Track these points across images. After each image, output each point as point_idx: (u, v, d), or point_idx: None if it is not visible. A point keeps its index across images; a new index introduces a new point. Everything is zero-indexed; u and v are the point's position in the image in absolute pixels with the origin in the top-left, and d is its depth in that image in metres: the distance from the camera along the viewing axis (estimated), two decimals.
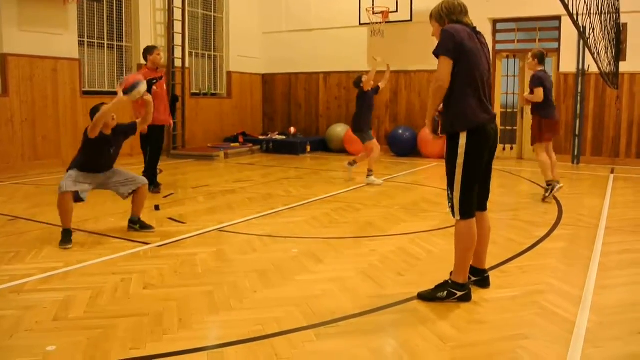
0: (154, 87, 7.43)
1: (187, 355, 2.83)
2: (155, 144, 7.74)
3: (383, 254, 4.67)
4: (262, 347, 2.91)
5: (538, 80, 7.14)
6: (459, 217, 3.52)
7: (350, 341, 3.00)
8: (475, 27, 3.65)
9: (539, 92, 7.10)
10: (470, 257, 3.61)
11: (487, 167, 3.70)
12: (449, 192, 3.56)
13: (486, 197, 3.76)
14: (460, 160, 3.47)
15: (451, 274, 3.65)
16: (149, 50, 7.72)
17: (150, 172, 7.67)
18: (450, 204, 3.57)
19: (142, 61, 7.66)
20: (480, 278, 3.83)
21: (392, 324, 3.25)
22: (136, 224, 5.43)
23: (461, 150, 3.47)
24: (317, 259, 4.50)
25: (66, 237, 4.87)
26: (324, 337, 3.04)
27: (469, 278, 3.73)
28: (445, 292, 3.57)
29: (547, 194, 7.04)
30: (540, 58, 7.17)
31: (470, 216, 3.52)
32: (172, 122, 8.12)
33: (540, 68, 7.20)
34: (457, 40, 3.44)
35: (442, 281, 3.66)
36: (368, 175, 8.45)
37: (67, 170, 5.16)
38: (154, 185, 7.61)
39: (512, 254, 4.63)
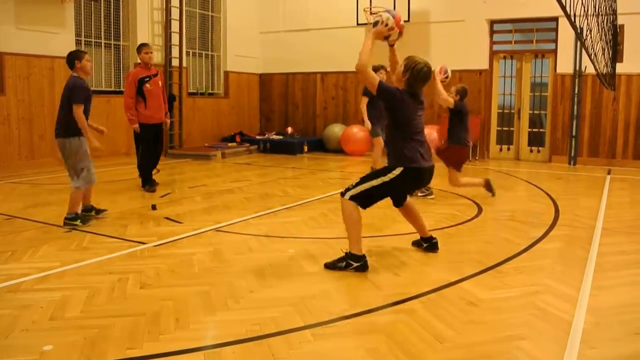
0: (146, 85, 7.49)
1: (184, 355, 2.83)
2: (152, 143, 7.69)
3: (379, 253, 4.67)
4: (259, 347, 2.91)
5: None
6: (349, 198, 4.18)
7: (347, 341, 3.00)
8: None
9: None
10: (359, 230, 4.20)
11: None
12: (359, 181, 4.25)
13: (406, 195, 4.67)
14: (385, 179, 4.22)
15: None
16: (137, 49, 7.76)
17: (145, 170, 7.66)
18: (350, 186, 4.23)
19: (139, 60, 7.63)
20: (429, 244, 4.69)
21: (389, 324, 3.25)
22: (91, 211, 5.69)
23: (392, 175, 4.22)
24: (314, 259, 4.50)
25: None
26: (320, 337, 3.04)
27: (421, 245, 4.72)
28: (344, 263, 4.16)
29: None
30: (463, 94, 7.03)
31: (354, 201, 4.20)
32: (169, 120, 8.13)
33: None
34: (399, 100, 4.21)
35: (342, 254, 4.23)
36: None
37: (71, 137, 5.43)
38: (149, 184, 7.64)
39: (508, 255, 4.63)
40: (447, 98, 6.77)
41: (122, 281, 3.92)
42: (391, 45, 4.55)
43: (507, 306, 3.52)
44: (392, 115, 4.26)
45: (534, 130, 12.07)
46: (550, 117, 11.74)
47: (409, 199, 4.66)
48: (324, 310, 3.41)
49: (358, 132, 12.67)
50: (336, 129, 13.28)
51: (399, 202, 4.64)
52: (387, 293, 3.75)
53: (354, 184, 4.24)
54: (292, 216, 6.14)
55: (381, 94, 4.18)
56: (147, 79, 7.52)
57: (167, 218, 5.96)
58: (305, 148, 13.12)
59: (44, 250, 4.70)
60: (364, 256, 4.18)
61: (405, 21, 12.09)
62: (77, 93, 5.41)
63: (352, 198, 4.19)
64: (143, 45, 7.74)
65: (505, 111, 12.30)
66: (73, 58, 5.55)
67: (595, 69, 6.98)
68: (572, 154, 11.36)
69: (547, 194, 7.56)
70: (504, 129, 12.34)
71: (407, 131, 4.23)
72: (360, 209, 4.24)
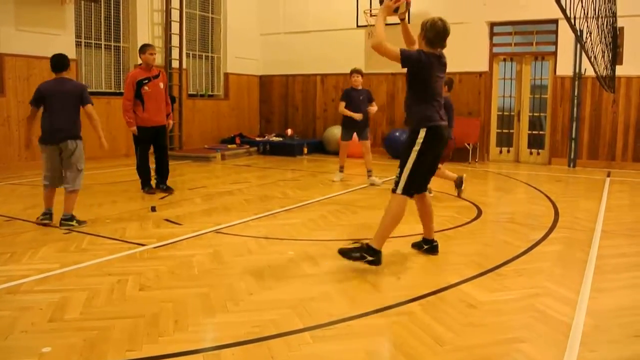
0: (145, 87, 7.36)
1: (183, 357, 2.82)
2: (150, 145, 7.64)
3: None
4: (259, 349, 2.91)
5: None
6: (399, 192, 4.25)
7: (347, 344, 3.00)
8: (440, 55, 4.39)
9: None
10: (392, 229, 4.27)
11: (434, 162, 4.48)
12: (399, 170, 4.29)
13: (427, 182, 4.67)
14: (416, 148, 4.27)
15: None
16: (141, 49, 7.58)
17: (144, 172, 7.63)
18: (396, 180, 4.29)
19: (139, 62, 7.61)
20: (430, 246, 4.70)
21: (389, 327, 3.25)
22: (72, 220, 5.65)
23: (419, 141, 4.27)
24: (313, 261, 4.50)
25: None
26: (320, 339, 3.04)
27: (421, 247, 4.72)
28: (359, 254, 4.17)
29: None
30: (450, 85, 7.09)
31: (408, 195, 4.28)
32: (171, 122, 8.00)
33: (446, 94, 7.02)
34: (424, 62, 4.29)
35: (358, 244, 4.26)
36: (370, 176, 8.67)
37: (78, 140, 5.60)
38: (148, 187, 7.59)
39: (508, 257, 4.63)
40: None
41: (121, 283, 3.91)
42: (402, 19, 4.66)
43: (506, 309, 3.52)
44: (415, 78, 4.37)
45: (533, 132, 12.07)
46: (550, 119, 11.74)
47: (428, 196, 4.67)
48: (324, 313, 3.41)
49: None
50: (336, 131, 13.25)
51: (425, 182, 4.60)
52: (386, 295, 3.74)
53: (398, 175, 4.29)
54: (291, 218, 6.14)
55: (406, 62, 4.23)
56: (146, 80, 7.40)
57: (167, 220, 5.96)
58: (305, 150, 13.12)
59: (44, 251, 4.70)
60: (380, 252, 4.19)
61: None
62: (87, 94, 5.67)
63: (405, 192, 4.24)
64: (147, 45, 7.60)
65: (505, 113, 12.31)
66: (68, 61, 5.65)
67: (595, 72, 6.98)
68: (572, 157, 11.36)
69: (547, 197, 7.56)
70: (504, 131, 12.34)
71: (429, 92, 4.33)
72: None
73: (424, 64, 4.23)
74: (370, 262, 4.15)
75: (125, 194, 7.51)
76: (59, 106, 5.53)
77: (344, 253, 4.23)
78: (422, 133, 4.25)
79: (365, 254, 4.15)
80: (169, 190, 7.63)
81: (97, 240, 5.08)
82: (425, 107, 4.32)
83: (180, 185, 8.47)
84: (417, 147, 4.25)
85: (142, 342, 2.98)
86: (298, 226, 5.77)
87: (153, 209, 6.40)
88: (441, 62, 4.38)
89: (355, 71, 8.72)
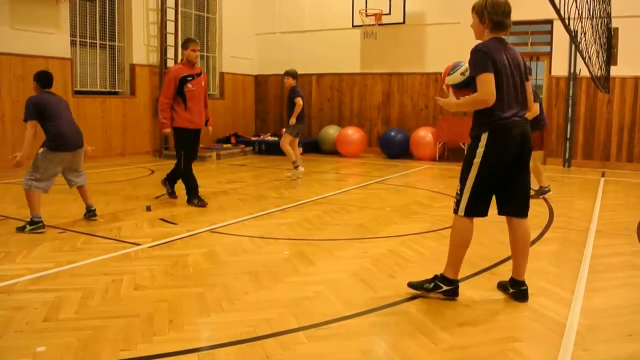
0: (188, 85, 6.68)
1: (178, 356, 2.82)
2: (188, 149, 6.99)
3: (374, 256, 4.67)
4: (253, 348, 2.91)
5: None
6: (460, 213, 3.59)
7: (341, 343, 3.00)
8: (504, 39, 3.66)
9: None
10: (461, 254, 3.64)
11: (523, 170, 3.61)
12: (459, 187, 3.63)
13: (526, 202, 3.66)
14: (477, 159, 3.52)
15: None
16: (184, 44, 6.86)
17: (191, 181, 6.94)
18: (456, 199, 3.63)
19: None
20: (517, 290, 3.69)
21: (384, 326, 3.25)
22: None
23: (480, 149, 3.51)
24: (308, 261, 4.50)
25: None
26: (315, 339, 3.04)
27: (507, 289, 3.74)
28: (432, 284, 3.67)
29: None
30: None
31: (470, 215, 3.58)
32: (211, 128, 7.34)
33: None
34: (489, 57, 3.45)
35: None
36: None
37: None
38: (198, 199, 6.82)
39: (503, 257, 4.63)
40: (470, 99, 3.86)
41: (116, 282, 3.90)
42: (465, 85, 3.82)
43: (501, 308, 3.53)
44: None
45: None
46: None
47: (522, 223, 3.66)
48: (318, 312, 3.41)
49: (353, 133, 12.69)
50: (331, 131, 13.29)
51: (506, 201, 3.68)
52: (381, 295, 3.75)
53: (458, 192, 3.61)
54: (286, 218, 6.14)
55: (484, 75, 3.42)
56: (190, 78, 6.70)
57: (162, 219, 5.95)
58: (301, 150, 13.10)
59: (38, 251, 4.68)
60: (456, 281, 3.67)
61: (400, 23, 12.19)
62: None
63: (467, 213, 3.58)
64: (191, 40, 6.84)
65: None
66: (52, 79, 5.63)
67: (590, 72, 7.00)
68: (567, 157, 11.39)
69: (542, 197, 7.58)
70: None
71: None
72: (472, 224, 3.62)
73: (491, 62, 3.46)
74: (446, 293, 3.63)
75: (120, 193, 7.50)
76: (66, 113, 5.59)
77: (416, 287, 3.73)
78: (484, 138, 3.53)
79: (439, 283, 3.66)
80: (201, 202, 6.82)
81: (92, 240, 5.07)
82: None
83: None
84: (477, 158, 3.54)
85: (136, 341, 2.97)
86: (293, 226, 5.77)
87: (148, 208, 6.39)
88: (508, 47, 3.64)
89: (286, 73, 9.53)
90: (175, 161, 7.13)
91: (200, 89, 6.85)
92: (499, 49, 3.54)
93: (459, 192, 3.61)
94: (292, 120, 9.12)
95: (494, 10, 3.56)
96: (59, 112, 5.50)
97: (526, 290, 3.68)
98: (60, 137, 5.47)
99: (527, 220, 3.65)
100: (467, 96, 3.61)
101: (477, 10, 3.62)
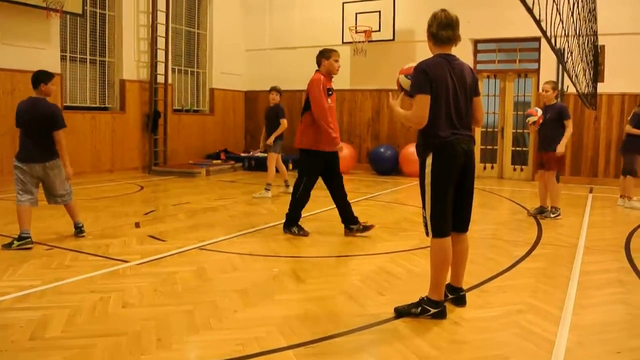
0: (329, 100, 5.85)
1: None
2: (328, 174, 6.17)
3: (364, 273, 4.66)
4: None
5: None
6: (431, 235, 3.63)
7: None
8: (449, 55, 3.65)
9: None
10: (444, 276, 3.65)
11: (464, 188, 3.71)
12: (423, 211, 3.69)
13: (466, 219, 3.80)
14: (428, 180, 3.58)
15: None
16: (324, 53, 5.91)
17: (299, 207, 6.06)
18: (424, 222, 3.68)
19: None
20: (456, 296, 3.87)
21: (373, 344, 3.24)
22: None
23: (428, 169, 3.57)
24: (298, 278, 4.49)
25: None
26: (303, 357, 3.02)
27: (446, 295, 3.80)
28: (420, 309, 3.63)
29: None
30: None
31: (441, 235, 3.60)
32: (339, 148, 6.12)
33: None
34: (430, 77, 3.47)
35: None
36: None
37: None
38: (298, 228, 6.06)
39: (492, 274, 4.65)
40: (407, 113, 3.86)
41: (103, 300, 3.87)
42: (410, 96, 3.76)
43: (490, 325, 3.53)
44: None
45: (517, 148, 12.19)
46: (533, 136, 11.85)
47: (463, 237, 3.82)
48: (308, 330, 3.39)
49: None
50: None
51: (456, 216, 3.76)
52: (370, 312, 3.74)
53: (424, 215, 3.66)
54: (276, 235, 6.12)
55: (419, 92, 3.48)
56: (330, 92, 5.89)
57: (151, 236, 5.92)
58: (290, 166, 13.11)
59: (25, 268, 4.63)
60: (443, 302, 3.67)
61: (389, 40, 12.27)
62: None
63: (437, 234, 3.59)
64: (332, 51, 5.92)
65: (489, 130, 12.41)
66: (41, 79, 5.70)
67: (577, 90, 7.08)
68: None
69: (539, 216, 7.61)
70: (488, 147, 12.43)
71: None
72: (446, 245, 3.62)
73: (432, 79, 3.49)
74: (434, 315, 3.59)
75: (109, 209, 7.45)
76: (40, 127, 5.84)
77: (404, 312, 3.65)
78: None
79: (427, 306, 3.61)
80: (367, 227, 6.04)
81: (80, 257, 5.03)
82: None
83: (165, 201, 8.43)
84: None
85: None
86: (283, 243, 5.76)
87: (137, 225, 6.35)
88: (453, 65, 3.61)
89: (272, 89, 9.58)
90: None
91: (334, 106, 6.08)
92: (442, 67, 3.54)
93: (424, 215, 3.68)
94: (270, 141, 9.32)
95: (431, 23, 3.62)
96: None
97: (464, 295, 3.88)
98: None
99: (467, 235, 3.83)
100: (403, 111, 3.65)
101: (427, 35, 3.71)
